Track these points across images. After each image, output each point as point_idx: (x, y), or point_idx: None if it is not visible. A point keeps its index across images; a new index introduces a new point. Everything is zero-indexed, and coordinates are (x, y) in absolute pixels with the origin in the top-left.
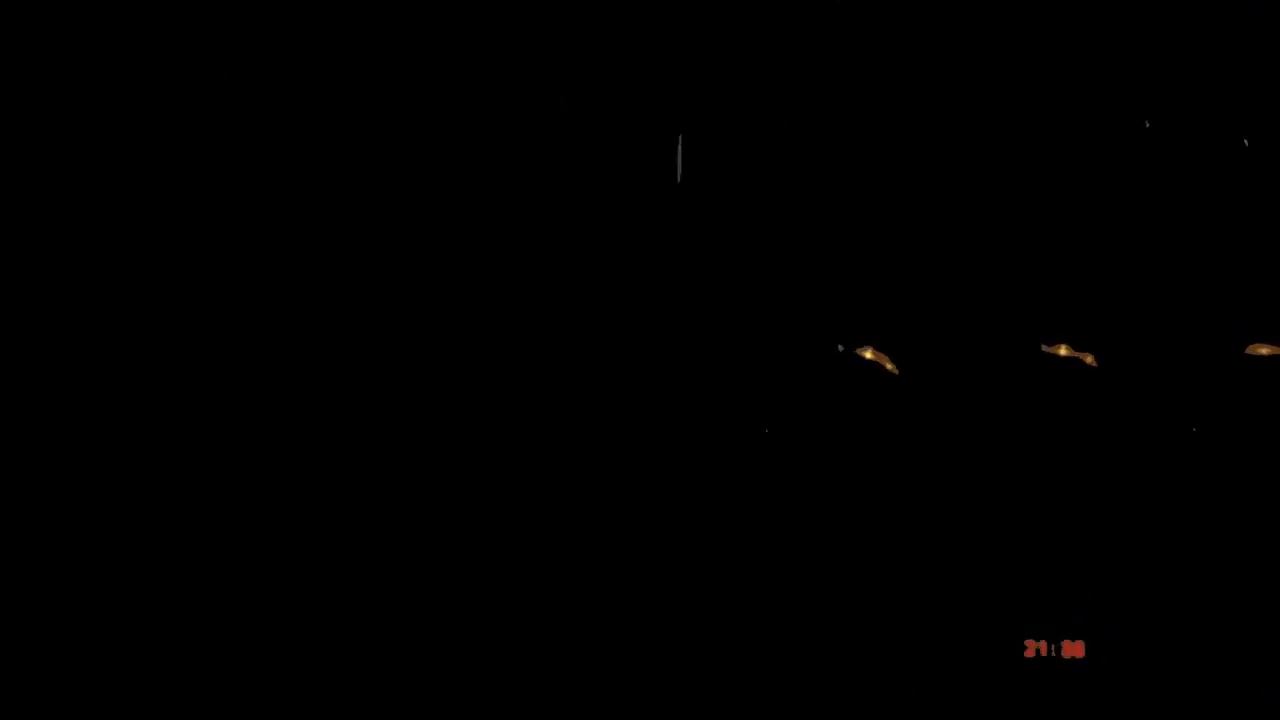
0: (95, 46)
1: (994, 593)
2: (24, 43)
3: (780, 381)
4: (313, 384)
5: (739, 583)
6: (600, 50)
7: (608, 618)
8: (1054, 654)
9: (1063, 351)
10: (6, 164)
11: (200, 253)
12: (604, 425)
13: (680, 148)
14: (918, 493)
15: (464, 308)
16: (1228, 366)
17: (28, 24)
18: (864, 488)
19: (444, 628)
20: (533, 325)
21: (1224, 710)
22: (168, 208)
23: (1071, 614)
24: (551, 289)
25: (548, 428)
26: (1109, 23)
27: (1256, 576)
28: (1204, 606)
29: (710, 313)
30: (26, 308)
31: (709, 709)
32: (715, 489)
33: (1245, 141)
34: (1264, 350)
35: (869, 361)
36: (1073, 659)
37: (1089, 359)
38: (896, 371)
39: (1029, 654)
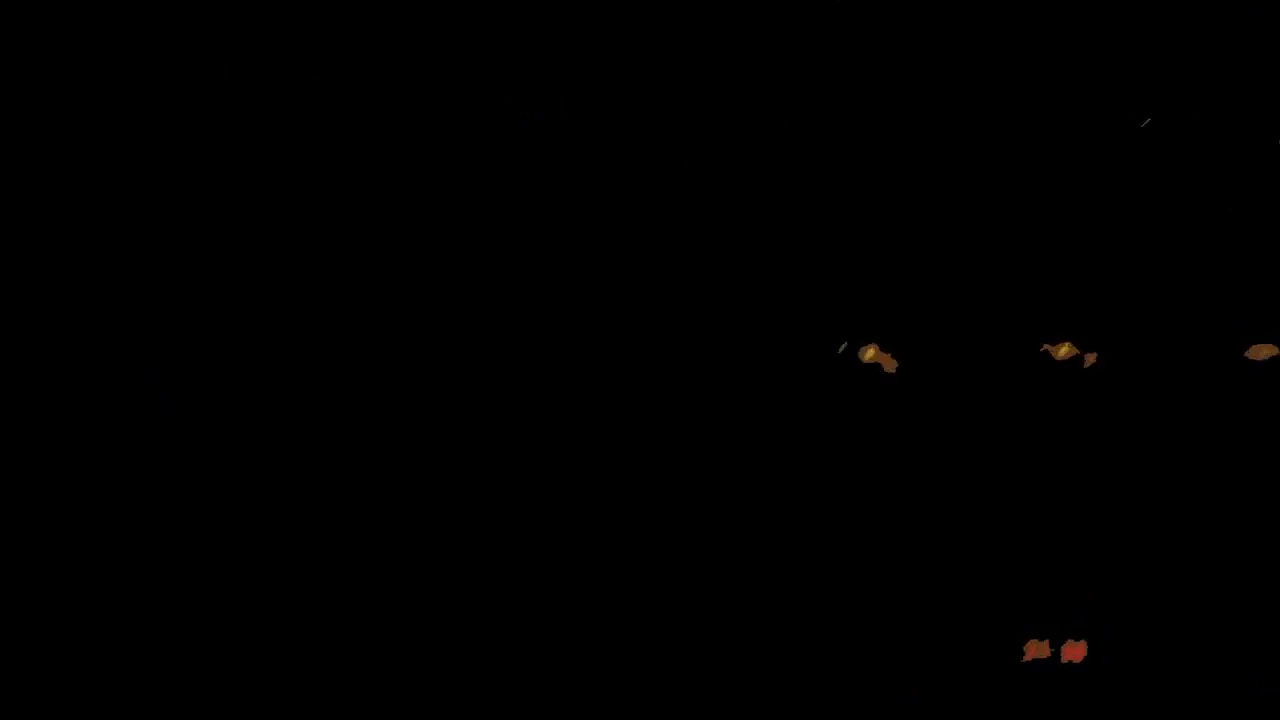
0: (95, 46)
1: (994, 593)
2: (24, 43)
3: (780, 382)
4: (312, 384)
5: (739, 583)
6: (600, 50)
7: (607, 618)
8: (1054, 655)
9: (1063, 352)
10: (6, 164)
11: (200, 252)
12: (604, 426)
13: (680, 148)
14: (918, 493)
15: (464, 308)
16: (1228, 367)
17: (27, 24)
18: (864, 488)
19: (443, 628)
20: (533, 325)
21: (1224, 710)
22: (167, 207)
23: (1072, 614)
24: (551, 289)
25: (547, 428)
26: (1109, 22)
27: (1257, 577)
28: (1204, 607)
29: (710, 313)
30: (26, 307)
31: (709, 709)
32: (715, 489)
33: (1244, 142)
34: (1264, 352)
35: (870, 362)
36: (1071, 662)
37: (1090, 359)
38: (894, 371)
39: (1029, 656)
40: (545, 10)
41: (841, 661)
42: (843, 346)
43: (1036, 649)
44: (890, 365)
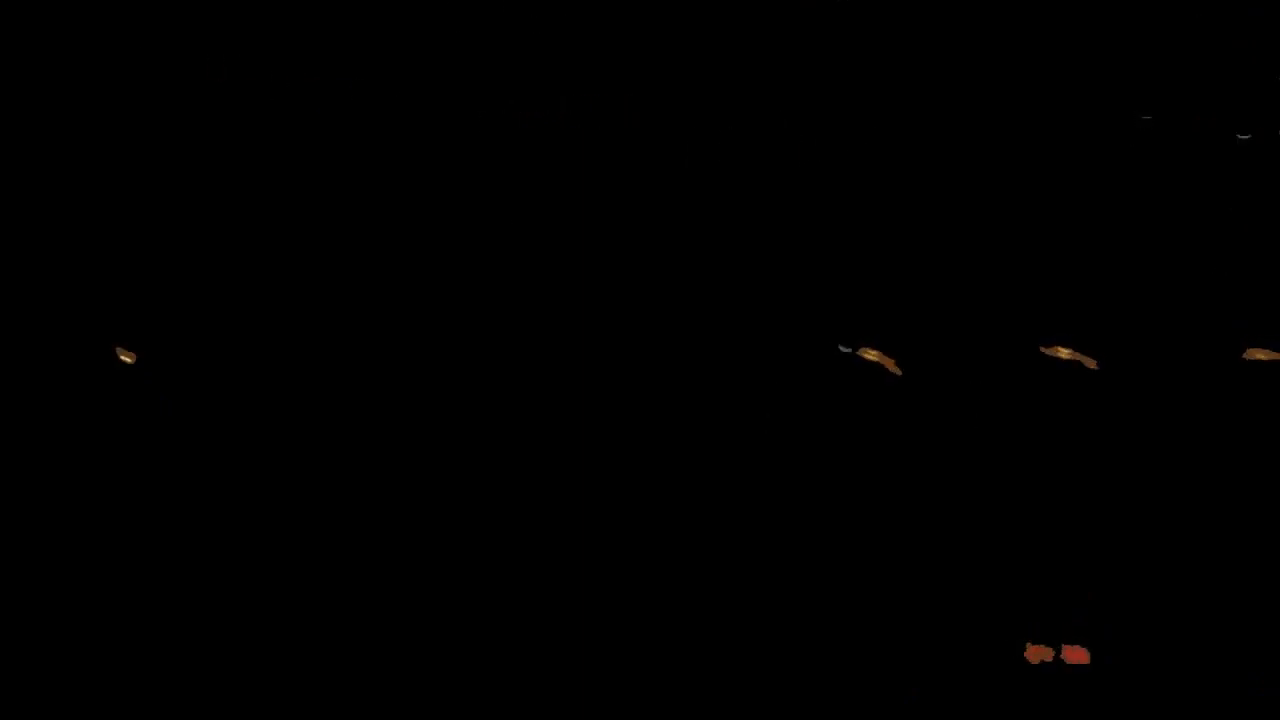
0: (95, 46)
1: (994, 593)
2: (24, 42)
3: (782, 382)
4: (312, 383)
5: (739, 583)
6: (600, 50)
7: (607, 618)
8: (1056, 657)
9: (1063, 354)
10: (6, 164)
11: (200, 252)
12: (605, 426)
13: (680, 148)
14: (919, 494)
15: (464, 306)
16: (1228, 369)
17: (27, 24)
18: (865, 489)
19: (443, 628)
20: (533, 324)
21: (1224, 710)
22: (167, 207)
23: (1072, 615)
24: (552, 288)
25: (547, 428)
26: (1109, 22)
27: (1257, 577)
28: (1204, 607)
29: (711, 313)
30: (25, 307)
31: (709, 709)
32: (716, 489)
33: (1243, 140)
34: (1262, 355)
35: (871, 363)
36: (1075, 664)
37: (1090, 362)
38: (895, 372)
39: (1030, 658)
40: (545, 10)
41: (841, 661)
42: (844, 348)
43: (1038, 653)
44: (891, 366)
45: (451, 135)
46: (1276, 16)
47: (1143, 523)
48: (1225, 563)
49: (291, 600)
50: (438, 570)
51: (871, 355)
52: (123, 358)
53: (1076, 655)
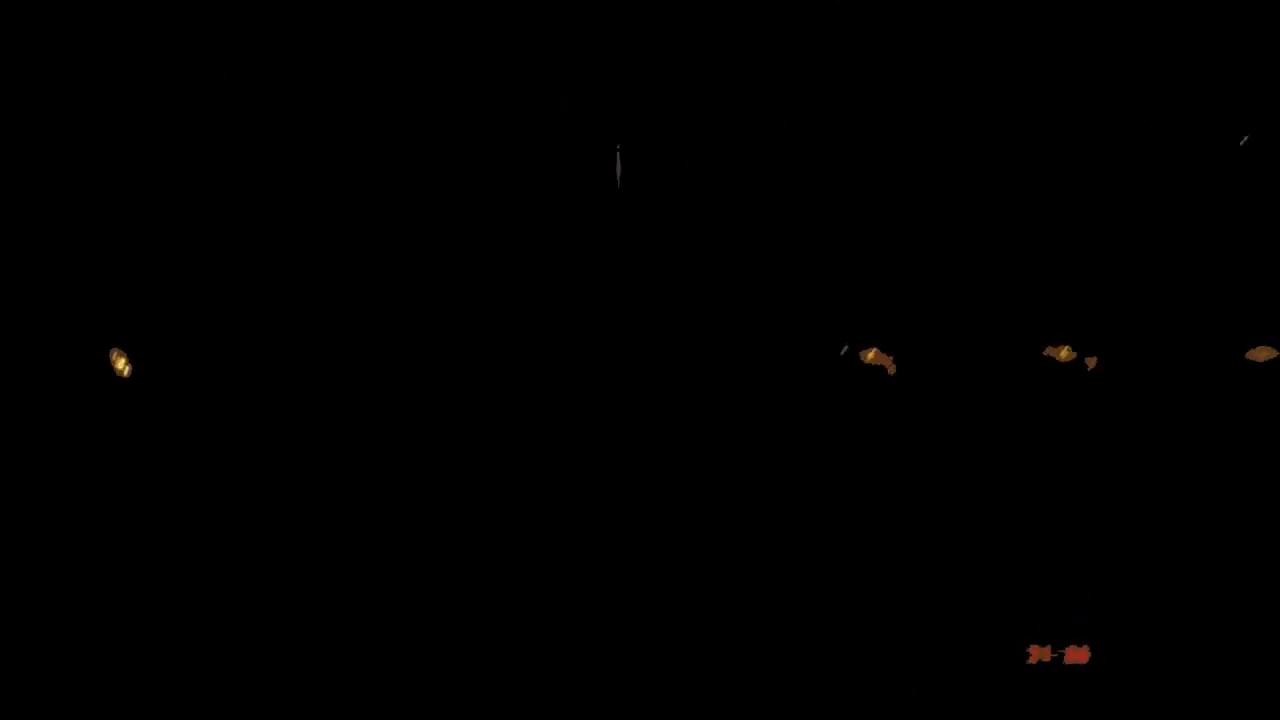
0: (95, 46)
1: (994, 593)
2: (23, 42)
3: (782, 384)
4: (312, 383)
5: (740, 583)
6: (600, 50)
7: (607, 618)
8: (1056, 657)
9: (1064, 354)
10: (6, 164)
11: (200, 252)
12: (605, 427)
13: (680, 148)
14: (920, 494)
15: (464, 307)
16: (1228, 369)
17: (27, 24)
18: (866, 489)
19: (443, 627)
20: (533, 325)
21: (1224, 710)
22: (167, 207)
23: (1072, 615)
24: (552, 289)
25: (548, 428)
26: (1109, 22)
27: (1257, 577)
28: (1204, 607)
29: (712, 314)
30: (25, 307)
31: (709, 709)
32: (717, 490)
33: (1244, 140)
34: (1263, 354)
35: (871, 364)
36: (1075, 664)
37: (1091, 362)
38: (896, 374)
39: (1032, 658)
40: (545, 10)
41: (841, 661)
42: (844, 349)
43: (1039, 653)
44: (892, 367)
45: (452, 135)
46: (1276, 16)
47: (1142, 523)
48: (1225, 563)
49: (292, 600)
50: (438, 570)
51: (871, 356)
52: (119, 363)
53: (1077, 655)
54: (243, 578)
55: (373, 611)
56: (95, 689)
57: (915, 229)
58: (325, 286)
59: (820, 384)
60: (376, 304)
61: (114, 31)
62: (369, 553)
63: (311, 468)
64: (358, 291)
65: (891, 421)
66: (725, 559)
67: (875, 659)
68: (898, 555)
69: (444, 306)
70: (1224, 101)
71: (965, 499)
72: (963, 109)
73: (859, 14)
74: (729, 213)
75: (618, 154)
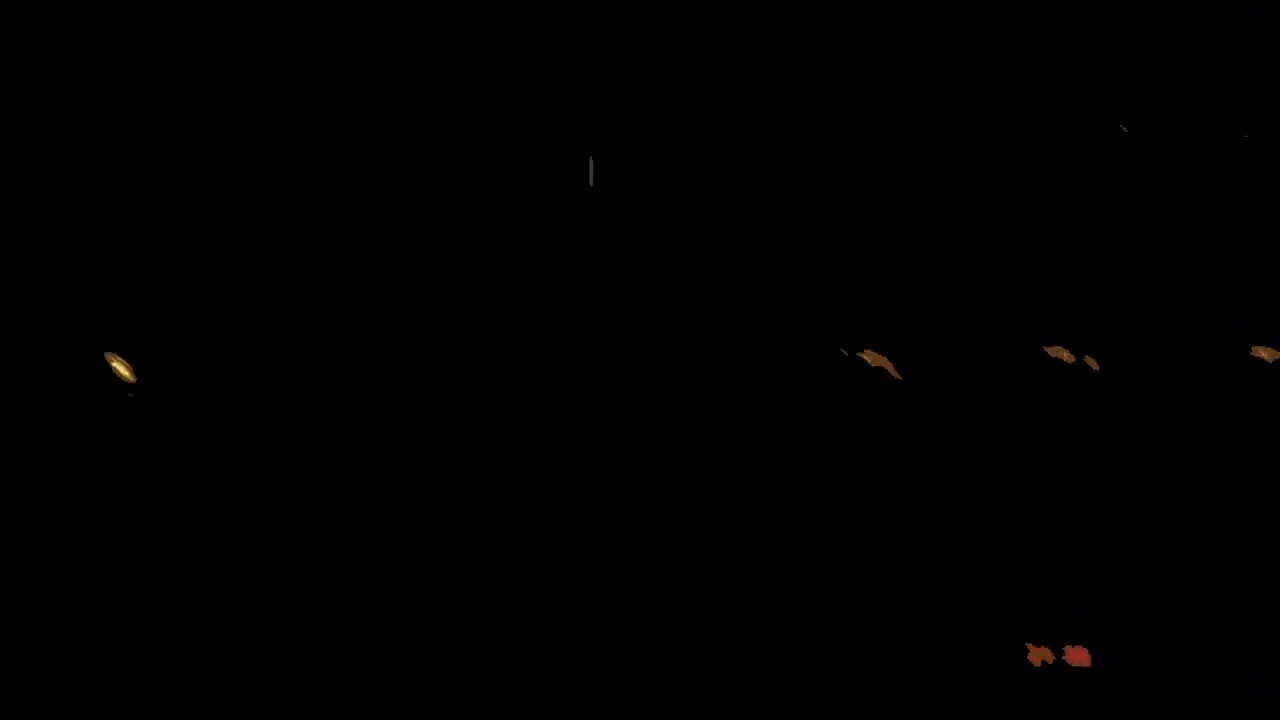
0: (95, 46)
1: (994, 594)
2: (23, 42)
3: (783, 384)
4: (312, 383)
5: (740, 583)
6: (600, 50)
7: (607, 618)
8: (1056, 658)
9: (1064, 355)
10: (6, 164)
11: (200, 252)
12: (606, 427)
13: (680, 148)
14: (920, 495)
15: (464, 307)
16: (1228, 369)
17: (27, 24)
18: (867, 490)
19: (443, 628)
20: (533, 325)
21: (1224, 710)
22: (167, 207)
23: (1072, 615)
24: (552, 289)
25: (548, 429)
26: (1109, 22)
27: (1257, 577)
28: (1204, 607)
29: (712, 314)
30: (24, 307)
31: (709, 709)
32: (718, 490)
33: (1245, 139)
34: (1264, 353)
35: (871, 365)
36: (1076, 665)
37: (1092, 362)
38: (896, 374)
39: (1031, 659)
40: (545, 10)
41: (842, 661)
42: (845, 350)
43: (1039, 654)
44: (892, 368)
45: (452, 135)
46: (1276, 16)
47: (1143, 523)
48: (1225, 563)
49: (291, 601)
50: (438, 570)
51: (870, 357)
52: (118, 366)
53: (1078, 656)
54: (243, 577)
55: (373, 611)
56: (95, 688)
57: (915, 229)
58: (325, 286)
59: (820, 384)
60: (376, 304)
61: (114, 31)
62: (369, 552)
63: (312, 468)
64: (358, 291)
65: (891, 422)
66: (725, 559)
67: (875, 659)
68: (898, 555)
69: (444, 306)
70: (1224, 101)
71: (965, 499)
72: (962, 109)
73: (859, 14)
74: (729, 213)
75: (590, 162)
